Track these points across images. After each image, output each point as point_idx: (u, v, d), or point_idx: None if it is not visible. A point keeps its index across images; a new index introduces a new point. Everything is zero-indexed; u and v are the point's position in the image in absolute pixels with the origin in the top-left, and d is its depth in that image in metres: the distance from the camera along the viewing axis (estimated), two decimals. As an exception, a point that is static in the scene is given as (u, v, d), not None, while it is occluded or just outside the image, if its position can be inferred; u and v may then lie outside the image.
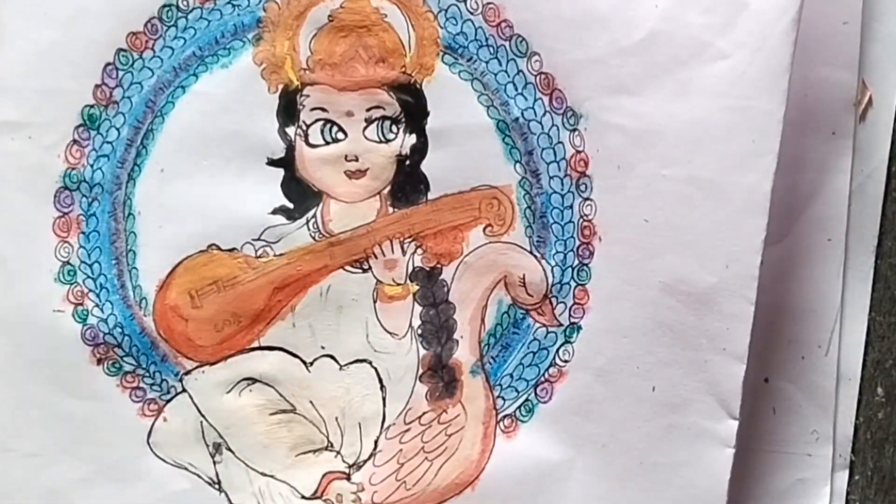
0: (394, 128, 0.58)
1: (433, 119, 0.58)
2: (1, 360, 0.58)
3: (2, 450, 0.58)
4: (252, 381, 0.59)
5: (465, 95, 0.58)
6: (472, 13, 0.57)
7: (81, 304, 0.58)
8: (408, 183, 0.59)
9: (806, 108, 0.60)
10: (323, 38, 0.58)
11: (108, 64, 0.57)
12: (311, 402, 0.59)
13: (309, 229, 0.59)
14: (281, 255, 0.59)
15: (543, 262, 0.59)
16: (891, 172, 0.61)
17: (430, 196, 0.59)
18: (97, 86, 0.57)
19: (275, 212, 0.58)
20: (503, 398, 0.60)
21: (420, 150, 0.58)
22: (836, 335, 0.62)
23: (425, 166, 0.58)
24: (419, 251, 0.59)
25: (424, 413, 0.60)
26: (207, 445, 0.60)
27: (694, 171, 0.57)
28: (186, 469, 0.60)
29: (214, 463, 0.60)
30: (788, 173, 0.60)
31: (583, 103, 0.58)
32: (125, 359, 0.59)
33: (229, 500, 0.60)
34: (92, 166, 0.58)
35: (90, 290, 0.58)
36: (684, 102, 0.57)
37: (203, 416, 0.59)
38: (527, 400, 0.60)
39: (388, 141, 0.58)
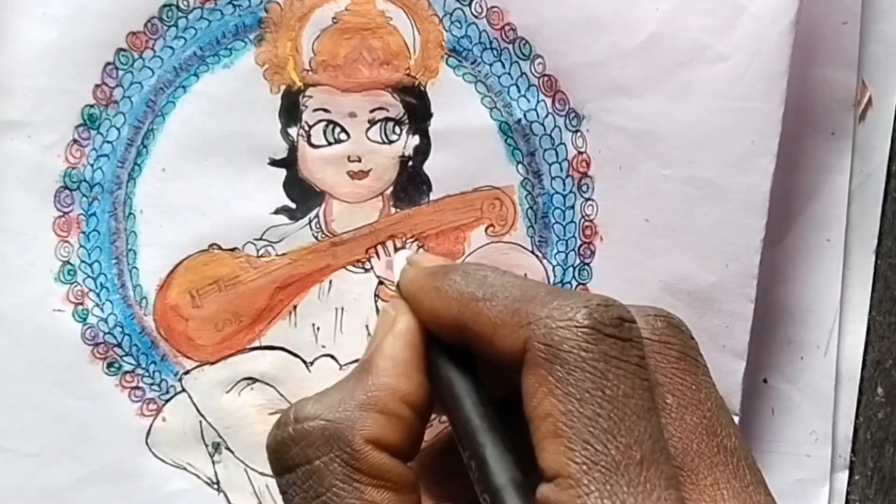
0: (397, 129, 0.58)
1: (436, 120, 0.58)
2: (0, 359, 0.58)
3: (0, 450, 0.58)
4: (252, 380, 0.59)
5: (468, 97, 0.58)
6: (476, 17, 0.58)
7: (81, 304, 0.58)
8: (410, 184, 0.59)
9: (805, 108, 0.60)
10: (326, 39, 0.58)
11: (108, 63, 0.57)
12: (311, 401, 0.59)
13: (311, 229, 0.59)
14: (283, 254, 0.59)
15: (545, 261, 0.59)
16: (891, 172, 0.62)
17: (433, 197, 0.59)
18: (97, 85, 0.57)
19: (277, 211, 0.58)
20: (504, 398, 0.60)
21: (423, 151, 0.58)
22: (836, 335, 0.62)
23: (428, 167, 0.59)
24: (421, 251, 0.59)
25: (426, 413, 0.60)
26: (206, 445, 0.59)
27: (694, 171, 0.57)
28: (185, 469, 0.59)
29: (213, 463, 0.60)
30: (788, 173, 0.60)
31: (585, 105, 0.58)
32: (125, 358, 0.58)
33: (228, 500, 0.60)
34: (92, 166, 0.57)
35: (90, 290, 0.58)
36: (684, 104, 0.57)
37: (202, 415, 0.59)
38: (529, 400, 0.60)
39: (390, 142, 0.58)
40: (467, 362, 0.41)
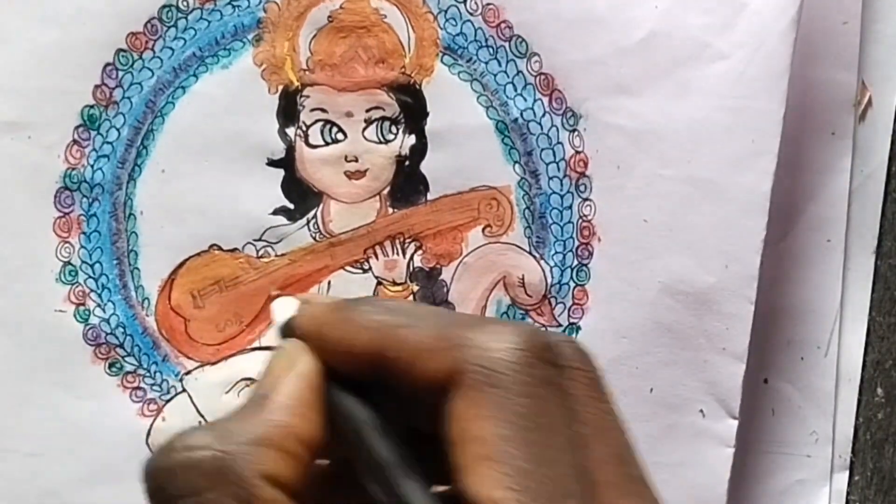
0: (393, 128, 0.58)
1: (432, 119, 0.58)
2: (2, 359, 0.58)
3: (1, 450, 0.58)
4: (251, 380, 0.59)
5: (464, 96, 0.58)
6: (471, 14, 0.58)
7: (83, 305, 0.58)
8: (407, 183, 0.59)
9: (806, 108, 0.60)
10: (322, 38, 0.58)
11: (108, 64, 0.57)
12: (311, 401, 0.59)
13: (310, 230, 0.59)
14: (282, 255, 0.59)
15: (542, 262, 0.59)
16: (891, 172, 0.61)
17: (430, 197, 0.59)
18: (97, 86, 0.57)
19: (275, 212, 0.58)
20: (503, 398, 0.60)
21: (419, 150, 0.58)
22: (836, 336, 0.62)
23: (424, 167, 0.58)
24: (419, 252, 0.59)
25: (424, 413, 0.60)
26: (207, 446, 0.59)
27: (693, 171, 0.57)
28: (186, 469, 0.59)
29: (214, 463, 0.60)
30: (788, 174, 0.59)
31: (582, 104, 0.58)
32: (126, 359, 0.59)
33: (229, 499, 0.60)
34: (92, 166, 0.58)
35: (92, 291, 0.58)
36: (683, 103, 0.57)
37: (202, 416, 0.59)
38: (526, 400, 0.60)
39: (387, 141, 0.58)
40: (367, 399, 0.40)
